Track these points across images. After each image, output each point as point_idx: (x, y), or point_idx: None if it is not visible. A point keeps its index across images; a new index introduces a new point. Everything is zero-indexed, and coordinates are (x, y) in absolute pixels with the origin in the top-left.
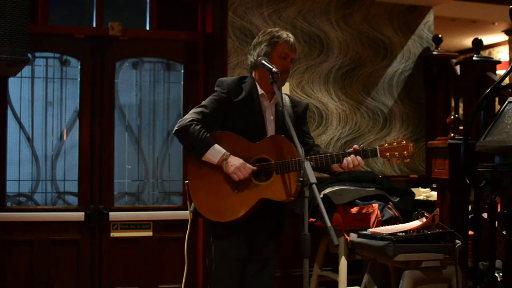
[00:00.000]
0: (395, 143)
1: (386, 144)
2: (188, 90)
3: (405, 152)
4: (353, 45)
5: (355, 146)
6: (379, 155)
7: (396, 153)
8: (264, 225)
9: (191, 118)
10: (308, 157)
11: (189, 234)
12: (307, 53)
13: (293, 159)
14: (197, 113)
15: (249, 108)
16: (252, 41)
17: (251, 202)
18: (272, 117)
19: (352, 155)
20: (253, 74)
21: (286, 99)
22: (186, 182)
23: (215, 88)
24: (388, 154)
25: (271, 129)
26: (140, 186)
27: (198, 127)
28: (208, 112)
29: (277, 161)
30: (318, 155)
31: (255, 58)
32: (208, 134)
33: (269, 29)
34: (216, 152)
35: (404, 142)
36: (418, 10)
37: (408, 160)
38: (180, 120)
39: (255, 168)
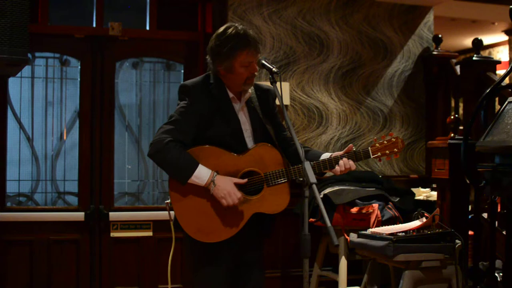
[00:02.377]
0: (385, 141)
1: (377, 144)
2: None
3: (395, 149)
4: (353, 45)
5: (350, 145)
6: (371, 156)
7: (387, 151)
8: (247, 235)
9: (167, 139)
10: (297, 166)
11: (173, 254)
12: (307, 53)
13: (282, 170)
14: (170, 131)
15: (222, 115)
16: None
17: (244, 219)
18: (246, 119)
19: (344, 159)
20: (219, 74)
21: (252, 91)
22: (167, 201)
23: (181, 97)
24: (379, 153)
25: (247, 132)
26: (140, 186)
27: (177, 147)
28: (181, 127)
29: (265, 172)
30: (313, 162)
31: (215, 67)
32: (189, 154)
33: (225, 34)
34: (201, 174)
35: (394, 139)
36: (418, 10)
37: (397, 156)
38: (153, 141)
39: (245, 180)
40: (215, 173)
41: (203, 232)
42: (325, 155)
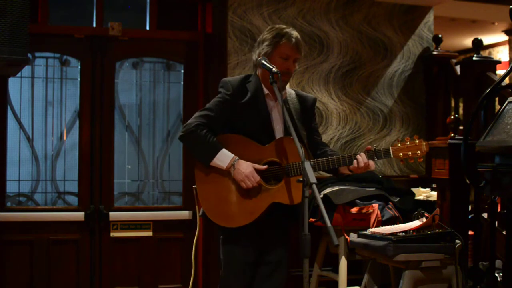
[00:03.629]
0: (408, 143)
1: (399, 144)
2: (188, 90)
3: (419, 151)
4: (353, 45)
5: (369, 146)
6: (392, 156)
7: (410, 153)
8: (273, 229)
9: (196, 122)
10: (316, 160)
11: (196, 238)
12: (307, 53)
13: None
14: (202, 116)
15: (255, 109)
16: (252, 41)
17: (262, 207)
18: (279, 117)
19: (362, 154)
20: (258, 72)
21: (292, 94)
22: (194, 186)
23: (219, 89)
24: (401, 154)
25: (279, 129)
26: (140, 186)
27: (204, 131)
28: (213, 115)
29: (287, 163)
30: (327, 158)
31: (256, 56)
32: (215, 138)
33: (276, 26)
34: (224, 157)
35: (417, 141)
36: (418, 10)
37: (421, 159)
38: (185, 124)
39: (265, 167)
40: (237, 158)
41: (223, 217)
42: (347, 154)
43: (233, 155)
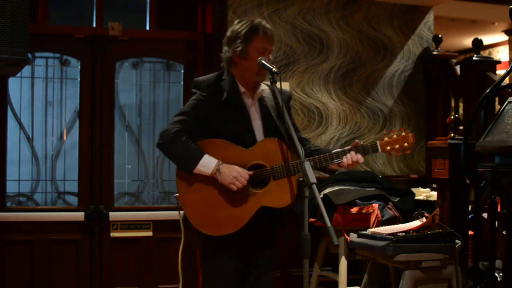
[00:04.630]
0: (395, 135)
1: (386, 138)
2: (188, 90)
3: (406, 143)
4: (353, 45)
5: (356, 141)
6: (380, 150)
7: (397, 146)
8: (258, 233)
9: (175, 129)
10: (307, 158)
11: (183, 248)
12: (307, 53)
13: (289, 163)
14: (179, 122)
15: (233, 109)
16: None
17: (250, 212)
18: (257, 115)
19: (351, 152)
20: (231, 70)
21: (267, 90)
22: (176, 195)
23: (193, 90)
24: (388, 148)
25: (258, 128)
26: (140, 186)
27: (184, 137)
28: (190, 120)
29: (272, 166)
30: (317, 156)
31: (230, 54)
32: (195, 145)
33: (245, 20)
34: (207, 163)
35: (404, 133)
36: (418, 10)
37: (409, 151)
38: (163, 131)
39: (251, 172)
40: (221, 162)
41: (210, 225)
42: (334, 150)
43: (216, 160)
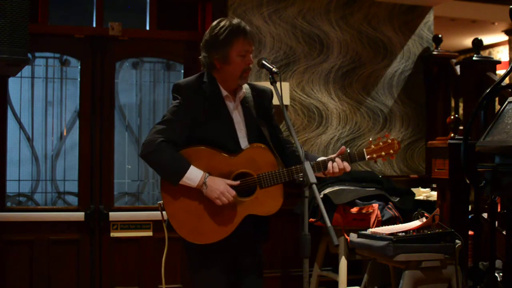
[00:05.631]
0: (381, 143)
1: (373, 146)
2: None
3: (391, 150)
4: (353, 45)
5: (343, 147)
6: (366, 159)
7: (383, 153)
8: (244, 239)
9: (160, 139)
10: (289, 168)
11: (171, 254)
12: (307, 53)
13: (275, 171)
14: (162, 131)
15: (216, 113)
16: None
17: (237, 220)
18: (240, 119)
19: (337, 159)
20: (213, 73)
21: (248, 90)
22: (159, 202)
23: (174, 95)
24: (375, 155)
25: (241, 132)
26: (140, 186)
27: (168, 148)
28: (173, 127)
29: (258, 174)
30: (298, 166)
31: (211, 60)
32: (181, 155)
33: (222, 23)
34: (193, 175)
35: (389, 140)
36: (418, 10)
37: (394, 157)
38: (146, 141)
39: (238, 182)
40: (207, 174)
41: (196, 233)
42: (320, 159)
43: (202, 172)
